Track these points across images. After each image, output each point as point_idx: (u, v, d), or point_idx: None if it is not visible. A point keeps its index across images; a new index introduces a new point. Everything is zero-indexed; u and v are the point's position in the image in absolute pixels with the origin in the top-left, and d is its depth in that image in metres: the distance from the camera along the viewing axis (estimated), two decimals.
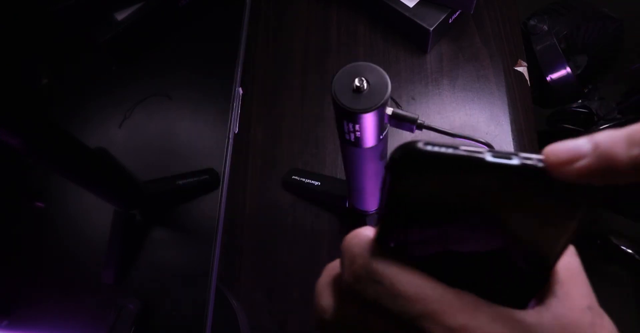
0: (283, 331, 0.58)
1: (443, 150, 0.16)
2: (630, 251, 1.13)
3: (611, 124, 0.93)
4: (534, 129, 0.66)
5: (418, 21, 0.64)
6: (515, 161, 0.16)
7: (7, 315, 0.53)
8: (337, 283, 0.23)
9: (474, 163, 0.16)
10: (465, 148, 0.16)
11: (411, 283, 0.19)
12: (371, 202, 0.53)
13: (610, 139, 0.15)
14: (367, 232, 0.22)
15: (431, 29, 0.63)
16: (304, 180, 0.62)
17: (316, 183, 0.61)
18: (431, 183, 0.17)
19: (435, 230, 0.19)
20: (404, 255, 0.20)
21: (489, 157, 0.16)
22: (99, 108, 0.62)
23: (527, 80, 0.68)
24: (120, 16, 0.63)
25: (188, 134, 0.62)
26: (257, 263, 0.61)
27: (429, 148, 0.16)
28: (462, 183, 0.17)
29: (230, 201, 0.63)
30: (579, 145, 0.15)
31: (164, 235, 0.58)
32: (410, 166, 0.17)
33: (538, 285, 0.20)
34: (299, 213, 0.63)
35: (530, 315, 0.19)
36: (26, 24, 0.58)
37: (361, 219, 0.58)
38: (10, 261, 0.56)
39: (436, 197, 0.18)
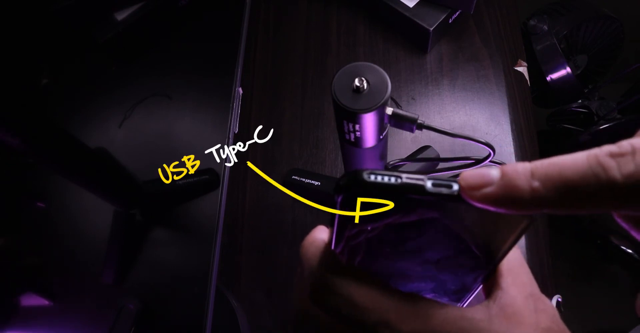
0: (283, 331, 0.58)
1: (385, 180, 0.18)
2: (630, 251, 1.13)
3: (611, 123, 0.93)
4: (534, 129, 0.66)
5: (418, 21, 0.64)
6: (455, 189, 0.17)
7: (7, 315, 0.53)
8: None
9: (413, 191, 0.18)
10: (407, 177, 0.18)
11: (367, 294, 0.20)
12: None
13: (515, 170, 0.16)
14: (322, 236, 0.24)
15: (431, 29, 0.63)
16: (304, 180, 0.62)
17: (316, 183, 0.61)
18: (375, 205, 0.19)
19: (385, 242, 0.21)
20: (359, 258, 0.22)
21: (429, 186, 0.18)
22: (99, 108, 0.62)
23: (527, 80, 0.68)
24: (120, 16, 0.62)
25: (188, 134, 0.62)
26: (257, 263, 0.61)
27: (372, 178, 0.18)
28: (404, 205, 0.19)
29: (230, 201, 0.63)
30: (489, 174, 0.17)
31: (164, 235, 0.58)
32: (353, 192, 0.18)
33: (484, 279, 0.23)
34: (299, 213, 0.63)
35: (478, 311, 0.20)
36: (26, 24, 0.58)
37: None
38: (10, 261, 0.55)
39: (382, 215, 0.19)
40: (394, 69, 0.69)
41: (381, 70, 0.31)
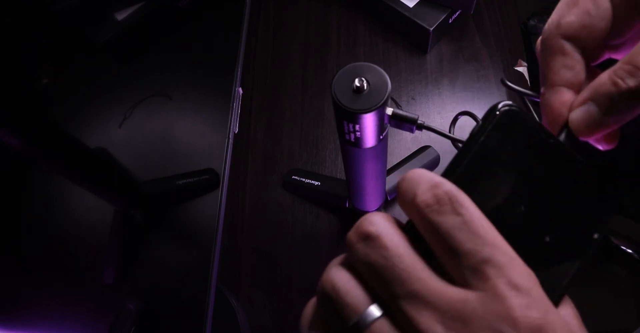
0: (283, 331, 0.58)
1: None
2: (630, 251, 1.13)
3: None
4: None
5: (418, 21, 0.64)
6: None
7: (8, 315, 0.53)
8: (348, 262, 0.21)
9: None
10: None
11: (488, 226, 0.18)
12: (371, 202, 0.53)
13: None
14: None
15: (431, 29, 0.63)
16: (304, 180, 0.62)
17: (316, 183, 0.61)
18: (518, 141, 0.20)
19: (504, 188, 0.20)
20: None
21: None
22: (99, 108, 0.62)
23: (527, 80, 0.68)
24: (120, 16, 0.63)
25: (188, 134, 0.62)
26: (257, 263, 0.61)
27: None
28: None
29: (230, 201, 0.63)
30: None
31: (164, 235, 0.58)
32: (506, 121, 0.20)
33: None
34: (299, 213, 0.63)
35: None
36: (26, 24, 0.58)
37: None
38: (10, 261, 0.56)
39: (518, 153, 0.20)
40: (394, 69, 0.69)
41: (381, 70, 0.31)
